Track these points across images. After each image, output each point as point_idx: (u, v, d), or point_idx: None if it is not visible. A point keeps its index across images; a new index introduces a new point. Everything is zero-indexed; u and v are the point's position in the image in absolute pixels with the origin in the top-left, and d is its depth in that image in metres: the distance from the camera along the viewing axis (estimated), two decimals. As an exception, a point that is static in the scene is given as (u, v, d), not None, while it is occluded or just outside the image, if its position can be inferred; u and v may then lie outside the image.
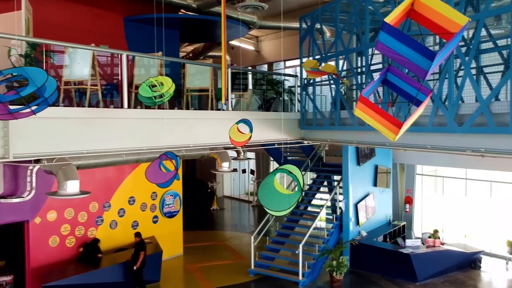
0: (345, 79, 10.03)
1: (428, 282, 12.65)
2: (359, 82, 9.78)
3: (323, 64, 8.18)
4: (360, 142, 9.84)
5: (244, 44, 22.04)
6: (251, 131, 7.17)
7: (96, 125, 7.49)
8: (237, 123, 7.22)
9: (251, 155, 24.09)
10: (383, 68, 9.35)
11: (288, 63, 20.91)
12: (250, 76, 14.00)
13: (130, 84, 9.48)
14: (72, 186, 9.67)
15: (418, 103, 3.25)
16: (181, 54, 18.87)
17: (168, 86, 6.54)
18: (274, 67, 21.52)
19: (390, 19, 2.68)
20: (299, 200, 4.57)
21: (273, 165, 23.70)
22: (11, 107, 4.34)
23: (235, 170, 13.75)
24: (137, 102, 8.81)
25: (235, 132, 7.15)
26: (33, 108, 4.29)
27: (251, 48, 22.63)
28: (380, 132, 8.91)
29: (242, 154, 17.29)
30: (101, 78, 9.74)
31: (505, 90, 7.33)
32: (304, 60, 11.54)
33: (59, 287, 10.63)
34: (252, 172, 24.89)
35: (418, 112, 3.14)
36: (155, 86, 7.18)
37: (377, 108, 3.13)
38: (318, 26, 12.24)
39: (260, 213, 21.67)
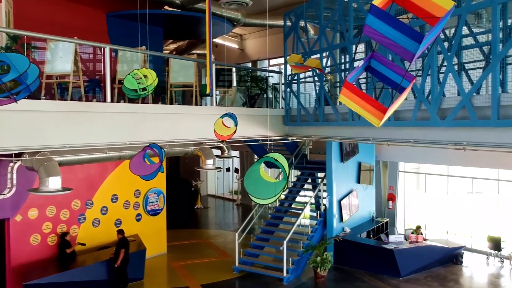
0: (329, 74, 10.06)
1: (411, 278, 12.77)
2: (343, 78, 9.83)
3: (307, 59, 8.18)
4: (344, 138, 9.90)
5: (228, 42, 21.99)
6: (236, 125, 7.15)
7: (78, 119, 7.39)
8: (222, 116, 7.19)
9: (235, 153, 24.06)
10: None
11: (272, 62, 20.91)
12: (234, 74, 14.01)
13: (113, 80, 9.40)
14: (54, 183, 9.55)
15: (402, 90, 3.26)
16: (165, 52, 18.71)
17: (152, 78, 6.48)
18: (258, 65, 21.50)
19: (377, 2, 2.69)
20: (285, 189, 4.56)
21: (257, 163, 23.66)
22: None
23: (219, 168, 13.73)
24: (120, 97, 8.73)
25: (220, 126, 7.12)
26: (16, 96, 4.20)
27: (235, 46, 22.60)
28: (364, 127, 8.97)
29: (226, 152, 17.29)
30: (84, 74, 9.60)
31: (486, 84, 7.45)
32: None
33: (40, 286, 10.47)
34: (236, 170, 24.86)
35: (402, 98, 3.16)
36: (139, 79, 7.12)
37: (362, 94, 3.14)
38: (302, 24, 12.28)
39: (245, 211, 21.66)
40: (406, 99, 9.65)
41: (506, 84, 6.67)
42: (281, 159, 4.62)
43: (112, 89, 9.00)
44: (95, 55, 11.79)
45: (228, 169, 25.62)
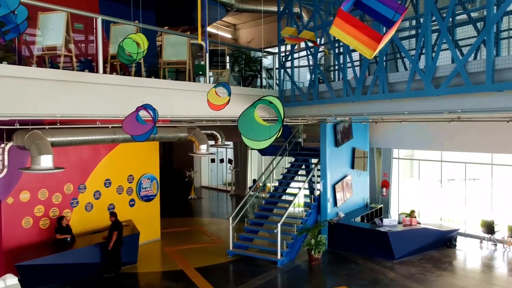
0: (323, 47, 10.04)
1: (405, 260, 12.78)
2: (337, 52, 9.82)
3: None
4: (339, 115, 9.87)
5: (221, 32, 21.92)
6: (229, 94, 7.09)
7: (70, 89, 7.30)
8: (215, 86, 7.14)
9: (228, 146, 24.00)
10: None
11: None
12: (228, 57, 13.95)
13: (105, 61, 9.33)
14: (46, 161, 9.48)
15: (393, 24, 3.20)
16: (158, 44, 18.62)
17: (144, 45, 6.43)
18: (251, 54, 21.43)
19: None
20: (279, 133, 4.52)
21: (251, 154, 23.66)
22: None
23: (212, 153, 13.68)
24: (113, 72, 8.65)
25: (213, 95, 7.07)
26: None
27: (229, 36, 22.54)
28: (358, 103, 8.95)
29: (220, 140, 17.26)
30: (76, 57, 9.50)
31: (480, 55, 7.45)
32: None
33: (32, 267, 10.36)
34: (230, 161, 24.80)
35: (396, 26, 3.11)
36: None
37: (357, 22, 3.10)
38: (296, 9, 12.26)
39: (238, 201, 21.55)
40: (398, 70, 9.70)
41: (500, 48, 6.66)
42: (276, 102, 4.57)
43: (104, 67, 8.93)
44: (87, 35, 11.69)
45: (221, 160, 25.56)
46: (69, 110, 7.32)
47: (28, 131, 10.06)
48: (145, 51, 6.65)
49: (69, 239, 11.64)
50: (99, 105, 7.78)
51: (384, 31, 3.10)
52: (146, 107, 6.02)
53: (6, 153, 10.68)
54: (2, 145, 10.66)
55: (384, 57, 8.47)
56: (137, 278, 11.82)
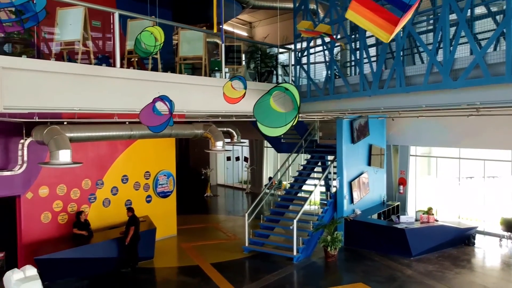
0: (340, 41, 9.98)
1: (422, 257, 12.65)
2: (353, 47, 9.77)
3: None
4: (355, 109, 9.79)
5: (237, 30, 21.95)
6: (245, 87, 7.10)
7: (88, 83, 7.38)
8: (231, 80, 7.15)
9: (245, 142, 24.08)
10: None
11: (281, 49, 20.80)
12: (243, 56, 13.97)
13: (122, 57, 9.40)
14: (64, 156, 9.62)
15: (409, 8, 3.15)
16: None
17: (161, 37, 6.48)
18: (267, 50, 21.42)
19: None
20: (295, 120, 4.50)
21: (267, 152, 23.66)
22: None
23: (228, 151, 13.69)
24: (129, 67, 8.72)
25: (229, 88, 7.08)
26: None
27: (245, 34, 22.56)
28: (374, 97, 8.88)
29: (236, 137, 17.28)
30: (94, 53, 9.59)
31: (499, 47, 7.33)
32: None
33: (51, 261, 10.50)
34: (245, 159, 24.83)
35: (413, 9, 3.07)
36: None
37: (373, 5, 3.07)
38: (312, 6, 12.20)
39: (254, 199, 21.59)
40: (415, 64, 9.61)
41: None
42: (292, 89, 4.55)
43: (121, 64, 9.01)
44: (104, 33, 11.81)
45: (237, 158, 25.60)
46: (87, 104, 7.39)
47: (47, 126, 10.23)
48: (161, 45, 6.70)
49: (86, 235, 11.77)
50: (116, 99, 7.85)
51: (401, 15, 3.06)
52: (162, 98, 6.06)
53: (25, 148, 10.85)
54: (22, 141, 10.83)
55: (401, 52, 8.38)
56: (153, 273, 11.91)
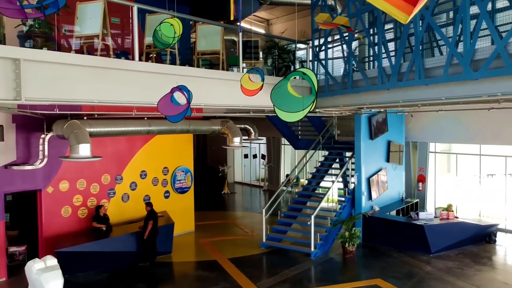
0: (358, 34, 9.92)
1: (442, 254, 12.49)
2: (371, 39, 9.69)
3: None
4: (373, 103, 9.71)
5: (254, 27, 21.96)
6: (262, 79, 7.09)
7: (107, 76, 7.46)
8: (249, 72, 7.16)
9: (262, 140, 24.08)
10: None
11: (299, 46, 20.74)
12: (260, 54, 13.97)
13: (141, 54, 9.49)
14: (84, 149, 9.75)
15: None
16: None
17: (179, 28, 6.52)
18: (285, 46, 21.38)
19: None
20: (313, 105, 4.48)
21: (285, 149, 23.64)
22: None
23: (245, 147, 13.68)
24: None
25: (247, 80, 7.09)
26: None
27: (262, 31, 22.55)
28: (393, 90, 8.79)
29: (253, 134, 17.30)
30: (113, 50, 9.70)
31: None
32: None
33: (71, 254, 10.65)
34: (263, 156, 24.83)
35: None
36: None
37: (392, -15, 3.04)
38: (330, 2, 12.15)
39: (271, 197, 21.56)
40: (433, 53, 9.49)
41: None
42: (310, 73, 4.53)
43: (140, 59, 9.08)
44: (123, 29, 11.93)
45: (255, 156, 25.61)
46: (106, 96, 7.48)
47: (67, 121, 10.38)
48: (179, 37, 6.73)
49: (104, 229, 11.90)
50: (135, 92, 7.92)
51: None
52: (180, 88, 6.10)
53: (46, 143, 11.01)
54: (43, 136, 11.00)
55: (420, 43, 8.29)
56: (172, 267, 12.00)
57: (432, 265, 11.67)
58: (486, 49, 6.92)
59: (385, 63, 9.19)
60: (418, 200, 15.86)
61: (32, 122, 10.91)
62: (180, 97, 6.05)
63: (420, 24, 8.26)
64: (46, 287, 6.83)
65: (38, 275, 6.87)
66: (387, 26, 10.13)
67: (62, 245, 10.84)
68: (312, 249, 12.46)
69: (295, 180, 19.79)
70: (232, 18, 7.28)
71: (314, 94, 4.48)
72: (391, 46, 10.43)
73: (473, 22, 7.56)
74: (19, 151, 11.01)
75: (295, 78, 4.73)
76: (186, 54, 12.05)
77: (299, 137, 17.79)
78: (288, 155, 24.00)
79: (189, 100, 6.02)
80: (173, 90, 6.10)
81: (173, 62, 9.84)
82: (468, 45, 7.02)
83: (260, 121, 17.91)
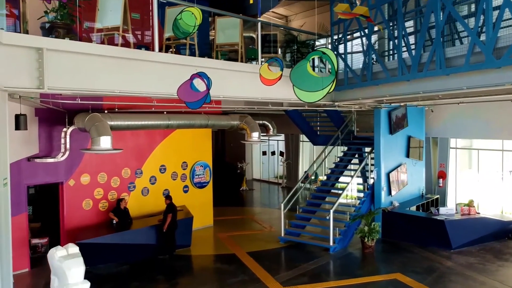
0: (378, 25, 9.83)
1: (463, 250, 12.32)
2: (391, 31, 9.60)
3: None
4: (393, 95, 9.63)
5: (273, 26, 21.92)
6: (281, 69, 7.10)
7: (128, 66, 7.55)
8: (268, 61, 7.17)
9: (281, 136, 24.09)
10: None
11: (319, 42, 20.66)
12: (279, 50, 13.98)
13: (160, 49, 9.56)
14: (105, 142, 9.89)
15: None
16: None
17: (199, 18, 6.56)
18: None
19: None
20: (333, 84, 4.46)
21: (303, 146, 23.59)
22: None
23: (263, 142, 13.67)
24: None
25: (266, 70, 7.10)
26: None
27: (281, 28, 22.51)
28: (413, 81, 8.69)
29: (271, 130, 17.30)
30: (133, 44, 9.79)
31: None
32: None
33: (92, 245, 10.78)
34: (281, 153, 24.82)
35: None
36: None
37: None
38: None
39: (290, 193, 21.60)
40: (453, 44, 9.36)
41: None
42: (329, 53, 4.52)
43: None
44: (143, 25, 12.04)
45: (273, 153, 25.61)
46: (126, 87, 7.56)
47: (89, 114, 10.54)
48: (198, 26, 6.77)
49: (114, 221, 11.99)
50: (154, 83, 8.00)
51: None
52: (200, 74, 6.14)
53: (68, 136, 11.19)
54: (64, 129, 11.18)
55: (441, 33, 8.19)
56: (191, 260, 12.08)
57: (453, 261, 11.53)
58: (509, 37, 6.81)
59: (405, 54, 9.11)
60: (438, 196, 15.66)
61: (54, 115, 11.10)
62: (199, 84, 6.08)
63: (441, 14, 8.16)
64: (68, 274, 6.94)
65: (60, 262, 6.99)
66: (407, 17, 10.02)
67: (83, 237, 10.98)
68: (331, 243, 12.41)
69: (313, 177, 19.75)
70: (251, 1, 7.26)
71: (334, 74, 4.47)
72: (411, 39, 10.33)
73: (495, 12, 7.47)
74: (42, 144, 11.21)
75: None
76: (205, 49, 12.10)
77: (318, 132, 17.74)
78: (307, 152, 23.94)
79: (208, 86, 6.06)
80: (192, 77, 6.15)
81: (192, 54, 9.89)
82: (491, 33, 6.91)
83: (279, 117, 17.90)
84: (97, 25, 8.24)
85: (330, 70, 4.33)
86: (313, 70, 4.66)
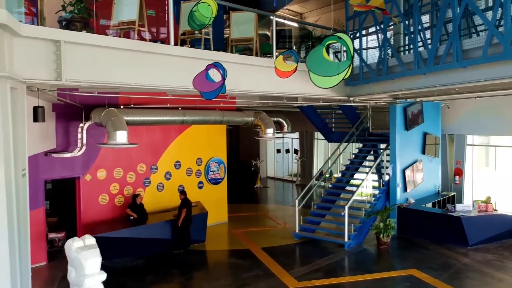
0: (394, 18, 9.76)
1: (480, 247, 12.17)
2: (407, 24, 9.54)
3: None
4: (409, 89, 9.56)
5: (287, 21, 21.91)
6: (296, 62, 7.09)
7: (144, 60, 7.61)
8: (283, 54, 7.17)
9: (295, 134, 24.06)
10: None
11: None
12: (294, 45, 13.97)
13: (176, 43, 9.64)
14: (121, 136, 9.97)
15: None
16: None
17: (215, 10, 6.59)
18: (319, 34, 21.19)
19: None
20: (349, 70, 4.44)
21: (318, 144, 23.52)
22: None
23: (278, 138, 13.64)
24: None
25: (281, 62, 7.10)
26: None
27: (295, 25, 22.47)
28: (429, 75, 8.61)
29: (286, 127, 17.29)
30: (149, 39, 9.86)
31: None
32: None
33: (108, 239, 10.87)
34: (295, 151, 24.78)
35: None
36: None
37: None
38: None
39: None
40: (470, 37, 9.26)
41: None
42: (345, 37, 4.51)
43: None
44: (158, 21, 12.12)
45: (287, 151, 25.58)
46: (142, 80, 7.62)
47: (105, 109, 10.64)
48: (213, 18, 6.79)
49: (131, 218, 12.07)
50: (170, 76, 8.06)
51: None
52: (215, 65, 6.17)
53: (84, 131, 11.33)
54: (81, 124, 11.31)
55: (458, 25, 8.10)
56: (205, 255, 12.13)
57: (469, 257, 11.40)
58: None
59: (421, 48, 9.04)
60: (455, 193, 15.48)
61: (71, 111, 11.23)
62: (215, 74, 6.11)
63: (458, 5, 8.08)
64: (85, 264, 7.00)
65: (77, 253, 7.05)
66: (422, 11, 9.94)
67: (100, 231, 11.07)
68: (346, 239, 12.36)
69: (328, 175, 19.67)
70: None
71: (350, 59, 4.45)
72: (427, 34, 10.24)
73: None
74: (59, 139, 11.36)
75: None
76: (220, 45, 12.14)
77: (333, 129, 17.68)
78: (321, 149, 23.87)
79: (224, 77, 6.09)
80: (208, 67, 6.18)
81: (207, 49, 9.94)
82: (509, 24, 6.83)
83: (293, 114, 17.86)
84: (113, 20, 8.31)
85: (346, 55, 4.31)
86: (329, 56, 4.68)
